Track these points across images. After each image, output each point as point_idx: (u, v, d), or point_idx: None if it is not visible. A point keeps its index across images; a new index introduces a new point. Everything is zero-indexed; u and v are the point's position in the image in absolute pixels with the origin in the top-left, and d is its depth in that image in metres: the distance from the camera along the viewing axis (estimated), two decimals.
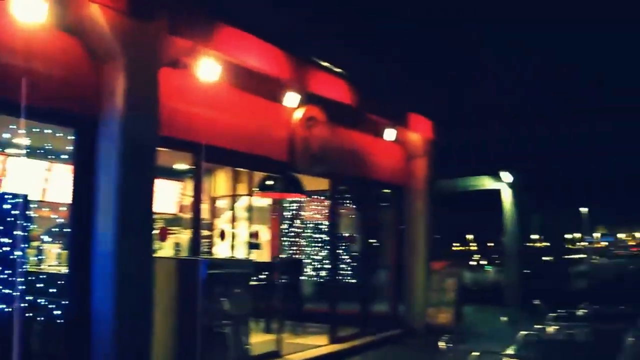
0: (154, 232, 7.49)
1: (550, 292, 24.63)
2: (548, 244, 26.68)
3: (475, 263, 34.06)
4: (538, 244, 26.99)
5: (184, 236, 10.03)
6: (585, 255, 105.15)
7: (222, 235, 11.56)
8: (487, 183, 20.27)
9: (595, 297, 24.12)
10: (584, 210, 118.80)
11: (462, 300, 13.41)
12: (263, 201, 12.30)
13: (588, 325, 9.09)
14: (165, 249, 10.49)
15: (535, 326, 8.30)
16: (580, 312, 10.30)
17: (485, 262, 32.30)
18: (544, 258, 26.39)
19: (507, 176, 19.69)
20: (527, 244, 25.79)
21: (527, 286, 26.14)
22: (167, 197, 11.16)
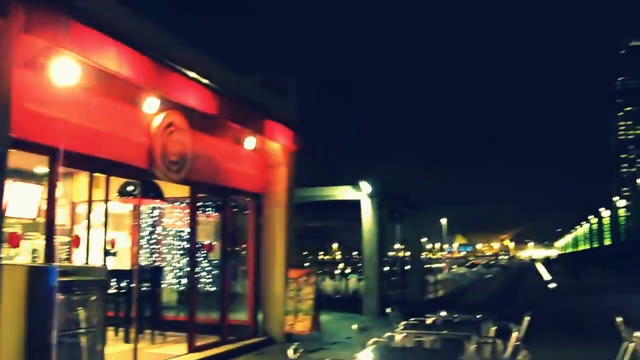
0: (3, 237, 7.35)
1: (407, 300, 26.00)
2: (409, 253, 27.88)
3: (339, 271, 35.11)
4: (400, 254, 28.18)
5: (42, 242, 9.84)
6: (444, 265, 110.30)
7: (77, 241, 11.41)
8: (347, 193, 20.87)
9: (450, 304, 25.60)
10: (443, 220, 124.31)
11: (319, 308, 13.95)
12: (123, 207, 12.25)
13: (437, 333, 9.76)
14: (22, 256, 10.22)
15: (387, 334, 8.87)
16: (430, 320, 10.99)
17: (349, 271, 33.39)
18: (405, 267, 27.61)
19: (366, 186, 20.37)
20: (392, 253, 26.90)
21: (385, 295, 27.41)
22: (26, 200, 10.86)
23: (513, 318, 10.39)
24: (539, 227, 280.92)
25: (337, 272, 37.90)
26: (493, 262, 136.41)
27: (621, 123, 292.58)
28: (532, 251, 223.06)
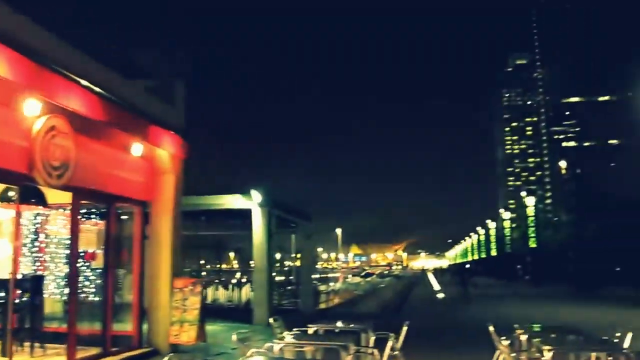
0: None
1: (299, 310, 26.26)
2: (300, 263, 28.17)
3: (236, 281, 35.04)
4: (297, 263, 28.44)
5: None
6: (339, 274, 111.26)
7: None
8: (238, 202, 20.79)
9: (341, 314, 26.00)
10: (338, 231, 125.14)
11: (205, 318, 13.89)
12: (4, 214, 11.82)
13: (317, 343, 9.96)
14: None
15: (267, 344, 9.01)
16: (312, 330, 11.19)
17: (245, 280, 33.36)
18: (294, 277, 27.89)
19: (257, 195, 20.36)
20: (289, 263, 27.12)
21: (278, 304, 27.55)
22: None
23: (398, 327, 10.75)
24: (431, 238, 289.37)
25: (233, 281, 37.72)
26: (387, 272, 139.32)
27: (507, 138, 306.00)
28: (424, 261, 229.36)
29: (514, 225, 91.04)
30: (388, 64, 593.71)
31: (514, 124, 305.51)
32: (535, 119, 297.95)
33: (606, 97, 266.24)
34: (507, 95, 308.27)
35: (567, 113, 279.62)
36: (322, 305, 30.72)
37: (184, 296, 13.31)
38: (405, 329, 10.66)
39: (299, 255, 28.49)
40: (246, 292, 27.00)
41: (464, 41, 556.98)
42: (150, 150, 13.11)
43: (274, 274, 24.01)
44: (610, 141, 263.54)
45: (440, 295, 41.91)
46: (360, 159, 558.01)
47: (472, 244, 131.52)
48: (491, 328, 10.28)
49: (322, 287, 54.36)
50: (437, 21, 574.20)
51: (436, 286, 58.68)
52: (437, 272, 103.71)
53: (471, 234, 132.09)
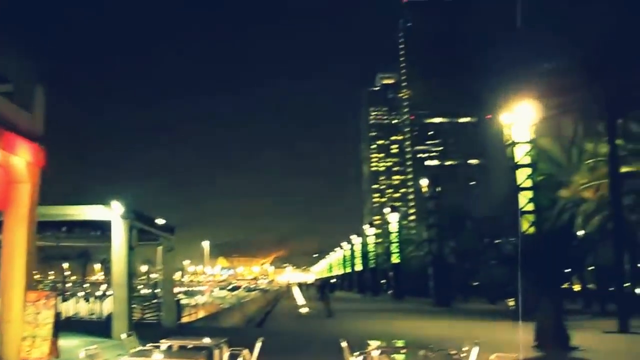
0: None
1: (158, 324, 25.80)
2: (162, 276, 27.68)
3: (101, 293, 33.90)
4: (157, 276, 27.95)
5: None
6: (206, 288, 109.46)
7: None
8: (98, 213, 20.07)
9: (202, 328, 25.77)
10: (205, 243, 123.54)
11: (58, 333, 13.36)
12: None
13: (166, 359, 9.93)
14: None
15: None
16: (165, 346, 11.11)
17: (111, 292, 32.27)
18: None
19: (118, 206, 19.76)
20: (154, 276, 26.60)
21: (141, 318, 26.93)
22: None
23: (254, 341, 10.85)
24: (297, 252, 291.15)
25: (98, 293, 36.45)
26: (253, 285, 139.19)
27: (373, 155, 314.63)
28: (290, 275, 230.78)
29: (378, 240, 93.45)
30: (263, 75, 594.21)
31: (380, 142, 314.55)
32: (400, 137, 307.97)
33: (467, 119, 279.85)
34: (373, 113, 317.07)
35: (431, 133, 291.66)
36: (185, 319, 30.26)
37: (36, 310, 12.75)
38: (259, 344, 10.78)
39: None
40: (109, 305, 26.21)
41: (335, 58, 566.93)
42: (4, 157, 12.52)
43: (140, 286, 23.53)
44: (470, 161, 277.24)
45: (304, 310, 42.36)
46: (230, 173, 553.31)
47: (338, 259, 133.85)
48: (344, 344, 10.56)
49: (188, 301, 53.66)
50: (310, 35, 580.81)
51: (300, 300, 59.25)
52: (303, 286, 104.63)
53: (336, 249, 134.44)
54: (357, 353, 10.17)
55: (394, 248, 70.91)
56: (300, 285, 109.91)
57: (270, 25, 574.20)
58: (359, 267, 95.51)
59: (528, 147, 31.01)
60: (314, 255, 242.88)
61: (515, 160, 30.83)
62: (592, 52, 29.88)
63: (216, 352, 10.95)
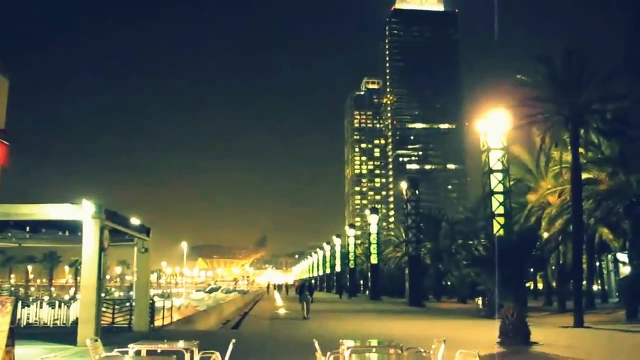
0: None
1: (129, 328, 25.38)
2: (135, 279, 27.27)
3: (68, 297, 33.27)
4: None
5: None
6: (184, 290, 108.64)
7: None
8: (68, 212, 19.20)
9: (175, 332, 25.51)
10: (184, 245, 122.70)
11: (14, 341, 12.78)
12: None
13: None
14: None
15: None
16: (133, 351, 10.94)
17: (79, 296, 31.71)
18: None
19: (89, 206, 19.18)
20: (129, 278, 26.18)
21: (111, 323, 26.43)
22: None
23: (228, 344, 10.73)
24: (278, 254, 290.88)
25: (66, 297, 35.62)
26: (233, 287, 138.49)
27: (356, 158, 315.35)
28: (270, 276, 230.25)
29: (358, 242, 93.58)
30: (257, 78, 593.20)
31: (363, 145, 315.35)
32: (382, 141, 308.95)
33: (447, 125, 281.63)
34: (357, 117, 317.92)
35: (412, 137, 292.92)
36: (159, 323, 29.79)
37: None
38: (230, 347, 10.67)
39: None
40: (76, 311, 25.39)
41: (323, 60, 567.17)
42: None
43: (113, 289, 23.11)
44: (449, 165, 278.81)
45: (282, 311, 42.20)
46: (214, 173, 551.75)
47: (318, 260, 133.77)
48: (316, 344, 10.51)
49: (164, 303, 53.17)
50: (298, 40, 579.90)
51: (279, 301, 59.05)
52: (282, 287, 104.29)
53: (317, 249, 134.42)
54: (329, 353, 10.14)
55: (373, 249, 70.93)
56: (280, 286, 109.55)
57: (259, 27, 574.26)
58: (339, 267, 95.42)
59: (500, 153, 31.50)
60: (295, 257, 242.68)
61: (489, 166, 31.29)
62: (557, 67, 30.70)
63: (187, 356, 10.81)
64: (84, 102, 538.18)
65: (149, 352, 11.02)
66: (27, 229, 22.16)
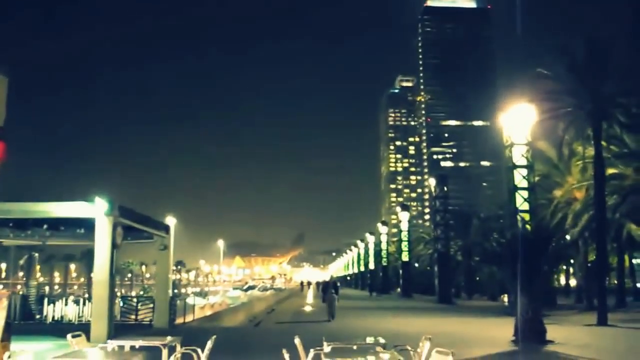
0: None
1: (150, 325, 25.31)
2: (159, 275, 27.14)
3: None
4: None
5: None
6: (220, 287, 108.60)
7: None
8: (81, 210, 19.22)
9: (194, 329, 25.28)
10: (220, 243, 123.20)
11: (10, 336, 12.62)
12: None
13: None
14: None
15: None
16: (111, 346, 10.69)
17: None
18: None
19: (102, 203, 19.05)
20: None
21: (132, 319, 26.44)
22: None
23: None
24: (315, 251, 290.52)
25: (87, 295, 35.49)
26: (270, 284, 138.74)
27: (391, 156, 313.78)
28: (307, 274, 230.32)
29: (394, 239, 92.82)
30: (289, 78, 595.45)
31: (397, 143, 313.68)
32: (417, 139, 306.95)
33: (480, 122, 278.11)
34: (392, 115, 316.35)
35: (446, 135, 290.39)
36: (184, 319, 29.70)
37: None
38: (209, 344, 10.34)
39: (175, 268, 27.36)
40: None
41: (357, 61, 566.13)
42: None
43: (143, 286, 22.93)
44: (482, 162, 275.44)
45: (309, 308, 41.86)
46: (252, 172, 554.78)
47: (353, 257, 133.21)
48: (297, 341, 10.12)
49: (197, 301, 53.33)
50: (333, 40, 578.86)
51: (310, 299, 58.79)
52: (319, 284, 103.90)
53: (352, 247, 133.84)
54: (311, 350, 9.74)
55: (404, 246, 70.17)
56: (316, 283, 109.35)
57: (296, 24, 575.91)
58: (372, 265, 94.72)
59: (524, 148, 30.52)
60: (332, 254, 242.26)
61: (512, 161, 30.38)
62: (577, 59, 29.65)
63: (164, 352, 10.56)
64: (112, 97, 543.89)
65: (121, 348, 10.82)
66: (45, 226, 22.11)
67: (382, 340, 10.70)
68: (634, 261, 54.04)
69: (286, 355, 9.44)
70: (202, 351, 10.27)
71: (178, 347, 10.68)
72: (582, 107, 29.43)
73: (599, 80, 29.04)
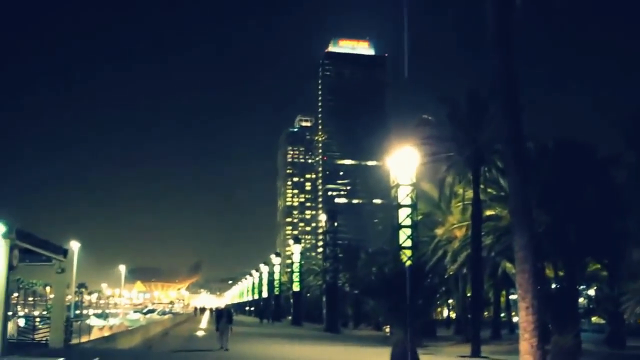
0: None
1: (46, 344, 24.42)
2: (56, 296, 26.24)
3: None
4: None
5: None
6: (120, 310, 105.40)
7: None
8: None
9: (91, 350, 24.48)
10: (122, 267, 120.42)
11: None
12: None
13: None
14: None
15: None
16: None
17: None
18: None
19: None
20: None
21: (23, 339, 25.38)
22: None
23: None
24: (212, 279, 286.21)
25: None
26: (169, 309, 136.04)
27: (289, 191, 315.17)
28: (205, 300, 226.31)
29: (287, 270, 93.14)
30: (196, 114, 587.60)
31: (295, 179, 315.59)
32: (313, 175, 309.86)
33: (373, 162, 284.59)
34: (291, 152, 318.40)
35: (341, 173, 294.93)
36: (80, 340, 28.71)
37: None
38: None
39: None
40: None
41: (260, 98, 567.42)
42: None
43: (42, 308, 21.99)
44: (375, 200, 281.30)
45: (200, 333, 41.34)
46: (155, 198, 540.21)
47: (248, 286, 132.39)
48: None
49: (97, 323, 51.41)
50: (240, 76, 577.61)
51: (204, 324, 57.98)
52: (212, 311, 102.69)
53: (247, 276, 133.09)
54: None
55: (295, 277, 70.54)
56: (211, 310, 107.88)
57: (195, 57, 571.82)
58: (266, 294, 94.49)
59: (409, 189, 31.54)
60: (229, 282, 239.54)
61: (397, 201, 31.32)
62: (460, 107, 31.04)
63: None
64: None
65: None
66: None
67: None
68: (510, 297, 56.36)
69: None
70: None
71: None
72: (461, 152, 30.72)
73: (478, 128, 30.37)
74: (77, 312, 70.53)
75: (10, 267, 18.47)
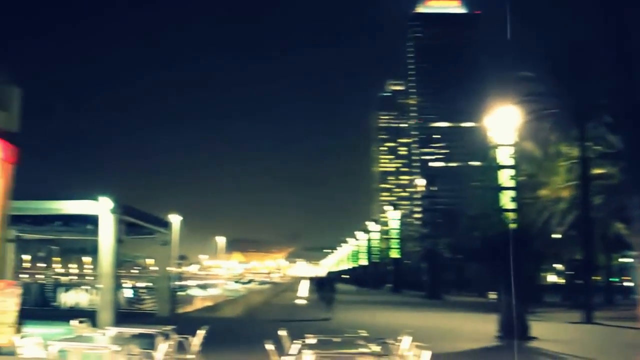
0: None
1: (152, 314, 25.57)
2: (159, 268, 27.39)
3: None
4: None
5: None
6: (220, 281, 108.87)
7: None
8: (87, 207, 19.78)
9: (191, 319, 25.54)
10: (220, 239, 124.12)
11: (23, 320, 13.10)
12: None
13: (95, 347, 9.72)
14: None
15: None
16: (111, 333, 10.90)
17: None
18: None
19: (106, 201, 19.59)
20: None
21: (135, 308, 26.74)
22: None
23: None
24: (310, 247, 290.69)
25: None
26: (267, 279, 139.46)
27: (382, 157, 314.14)
28: (302, 269, 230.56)
29: (385, 236, 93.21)
30: (285, 82, 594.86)
31: (389, 144, 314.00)
32: (408, 140, 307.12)
33: (470, 123, 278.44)
34: (384, 117, 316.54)
35: (436, 136, 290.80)
36: (185, 309, 30.08)
37: (2, 298, 12.53)
38: (201, 332, 10.55)
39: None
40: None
41: (349, 66, 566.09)
42: None
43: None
44: (472, 162, 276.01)
45: (300, 302, 42.12)
46: (250, 172, 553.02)
47: (345, 254, 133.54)
48: (283, 333, 10.16)
49: (199, 293, 53.35)
50: (324, 46, 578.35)
51: (303, 293, 58.99)
52: (313, 279, 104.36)
53: (343, 244, 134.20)
54: (298, 341, 9.83)
55: (394, 244, 70.48)
56: (310, 278, 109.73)
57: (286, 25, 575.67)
58: (364, 261, 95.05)
59: (509, 149, 30.62)
60: (325, 251, 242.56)
61: (497, 162, 30.52)
62: (560, 61, 29.67)
63: (158, 339, 10.73)
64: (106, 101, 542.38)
65: (119, 335, 11.03)
66: (57, 222, 22.50)
67: (364, 334, 10.85)
68: (622, 260, 54.20)
69: (271, 346, 9.55)
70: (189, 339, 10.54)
71: (172, 335, 10.89)
72: (565, 108, 29.50)
73: (582, 83, 29.03)
74: (179, 283, 73.73)
75: (118, 241, 19.50)
